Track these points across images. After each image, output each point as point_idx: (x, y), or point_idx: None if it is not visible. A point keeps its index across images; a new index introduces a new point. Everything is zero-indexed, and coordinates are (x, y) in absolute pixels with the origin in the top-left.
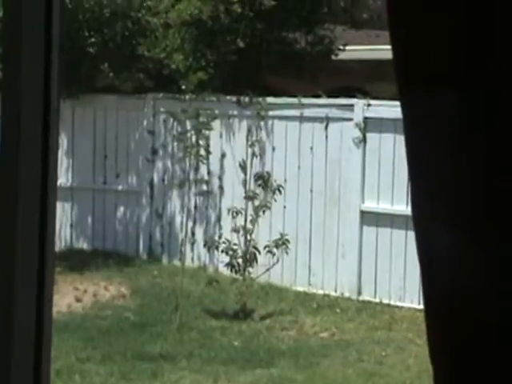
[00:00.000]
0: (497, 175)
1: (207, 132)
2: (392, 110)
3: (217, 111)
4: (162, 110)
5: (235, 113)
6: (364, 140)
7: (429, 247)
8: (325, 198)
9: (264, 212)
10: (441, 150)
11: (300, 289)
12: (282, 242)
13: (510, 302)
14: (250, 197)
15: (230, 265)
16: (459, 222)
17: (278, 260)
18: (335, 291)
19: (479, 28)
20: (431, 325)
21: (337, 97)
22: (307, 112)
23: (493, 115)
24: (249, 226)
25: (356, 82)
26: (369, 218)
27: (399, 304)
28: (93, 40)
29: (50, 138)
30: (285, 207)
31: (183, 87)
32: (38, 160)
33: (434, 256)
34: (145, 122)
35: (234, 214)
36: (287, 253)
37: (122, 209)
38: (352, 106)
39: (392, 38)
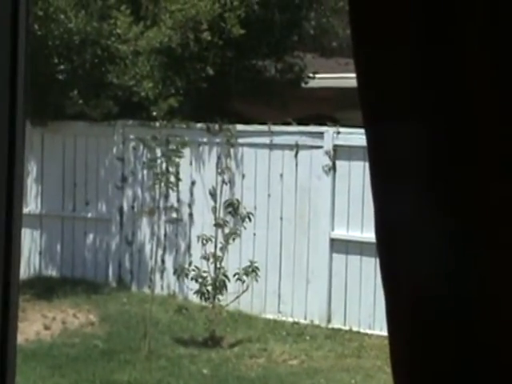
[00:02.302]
0: (453, 179)
1: (177, 159)
2: (362, 137)
3: (186, 138)
4: (131, 137)
5: (205, 140)
6: (334, 167)
7: (392, 260)
8: (294, 225)
9: (234, 239)
10: (403, 169)
11: (269, 316)
12: (251, 270)
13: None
14: (219, 224)
15: (199, 292)
16: (424, 225)
17: (247, 287)
18: (305, 319)
19: (432, 64)
20: (394, 336)
21: (307, 124)
22: (277, 139)
23: (446, 143)
24: (218, 253)
25: (326, 109)
26: (338, 246)
27: (369, 332)
28: (62, 67)
29: (15, 164)
30: (254, 234)
31: (154, 113)
32: (2, 187)
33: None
34: (114, 149)
35: (204, 242)
36: (257, 280)
37: (91, 236)
38: (322, 133)
39: (357, 71)
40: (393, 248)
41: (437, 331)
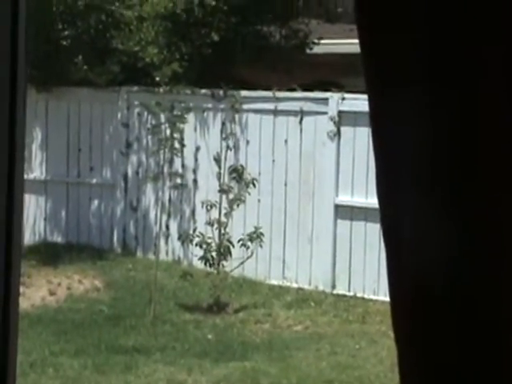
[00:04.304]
0: (457, 149)
1: (181, 125)
2: (366, 103)
3: (191, 104)
4: (136, 103)
5: (209, 106)
6: (338, 133)
7: (395, 219)
8: (299, 191)
9: (238, 205)
10: (407, 136)
11: (274, 282)
12: (256, 236)
13: (471, 274)
14: (224, 190)
15: (204, 258)
16: (425, 193)
17: (252, 253)
18: (309, 284)
19: (443, 39)
20: (396, 301)
21: (311, 90)
22: (282, 105)
23: (455, 112)
24: (223, 219)
25: (331, 75)
26: (343, 212)
27: (373, 297)
28: (66, 33)
29: (16, 130)
30: (259, 200)
31: (157, 79)
32: (4, 149)
33: (400, 227)
34: (119, 115)
35: (209, 208)
36: (261, 246)
37: (96, 202)
38: (326, 99)
39: (361, 43)
40: (394, 204)
41: (439, 296)
